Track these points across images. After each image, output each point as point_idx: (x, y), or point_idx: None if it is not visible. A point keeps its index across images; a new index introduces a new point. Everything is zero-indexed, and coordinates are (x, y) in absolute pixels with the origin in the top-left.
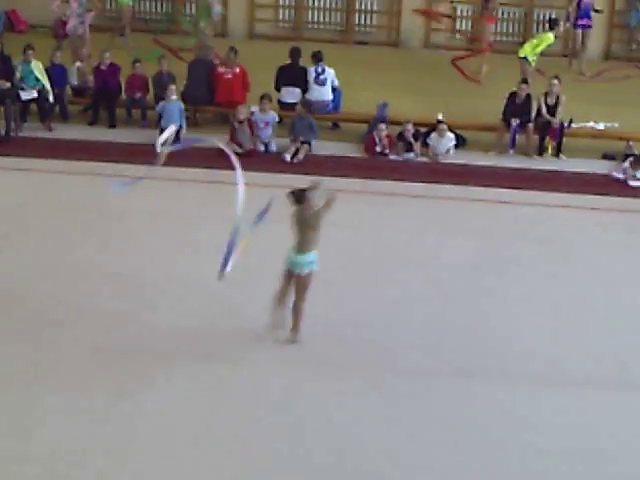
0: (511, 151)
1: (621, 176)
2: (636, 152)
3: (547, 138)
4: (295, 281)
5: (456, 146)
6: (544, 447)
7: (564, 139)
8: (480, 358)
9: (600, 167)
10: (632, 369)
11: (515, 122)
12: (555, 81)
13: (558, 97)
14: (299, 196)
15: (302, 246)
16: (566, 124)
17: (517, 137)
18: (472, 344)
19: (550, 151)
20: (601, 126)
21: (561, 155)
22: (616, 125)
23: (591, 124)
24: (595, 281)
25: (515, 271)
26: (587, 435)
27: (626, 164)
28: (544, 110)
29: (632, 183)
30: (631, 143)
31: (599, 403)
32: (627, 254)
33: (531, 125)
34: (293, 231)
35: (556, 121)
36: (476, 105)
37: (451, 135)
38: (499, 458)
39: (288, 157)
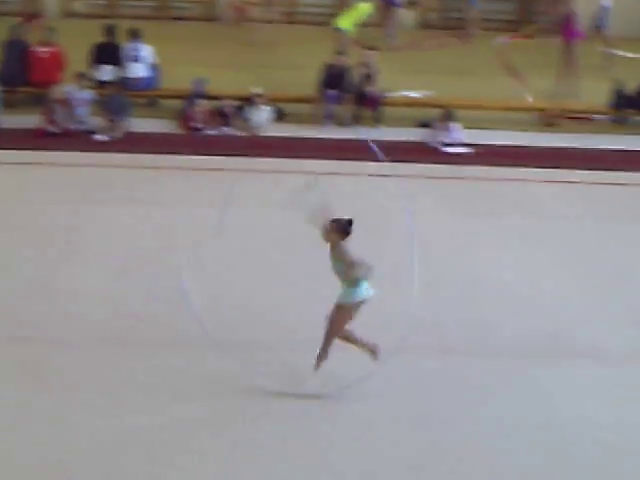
0: (328, 122)
1: (436, 143)
2: (443, 113)
3: (365, 108)
4: (333, 312)
5: (274, 119)
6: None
7: (381, 108)
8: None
9: (416, 135)
10: (445, 334)
11: (332, 93)
12: (369, 52)
13: (373, 68)
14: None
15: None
16: (383, 94)
17: (334, 108)
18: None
19: (367, 121)
20: (417, 94)
21: (379, 124)
22: (432, 93)
23: (407, 93)
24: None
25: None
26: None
27: (439, 130)
28: (360, 80)
29: (445, 149)
30: (447, 111)
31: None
32: (439, 220)
33: (348, 96)
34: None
35: (372, 91)
36: (293, 77)
37: (268, 108)
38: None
39: (103, 136)
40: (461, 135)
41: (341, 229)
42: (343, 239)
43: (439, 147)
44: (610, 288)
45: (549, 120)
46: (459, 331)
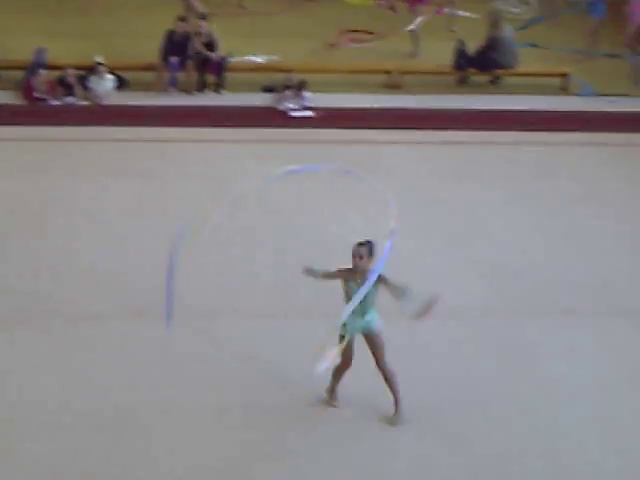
0: (172, 89)
1: (282, 107)
2: (296, 83)
3: (208, 74)
4: (368, 345)
5: (118, 87)
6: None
7: (224, 74)
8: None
9: (261, 100)
10: (295, 295)
11: (174, 60)
12: (202, 22)
13: (212, 35)
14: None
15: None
16: (225, 59)
17: (177, 75)
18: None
19: (211, 87)
20: (260, 59)
21: (222, 90)
22: (275, 58)
23: (251, 57)
24: (262, 211)
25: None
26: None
27: (285, 94)
28: (200, 46)
29: (292, 113)
30: (291, 75)
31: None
32: (287, 184)
33: (190, 62)
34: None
35: (214, 56)
36: (135, 45)
37: (111, 77)
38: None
39: None
40: (308, 99)
41: (372, 251)
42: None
43: (287, 111)
44: (460, 246)
45: (394, 82)
46: (312, 292)
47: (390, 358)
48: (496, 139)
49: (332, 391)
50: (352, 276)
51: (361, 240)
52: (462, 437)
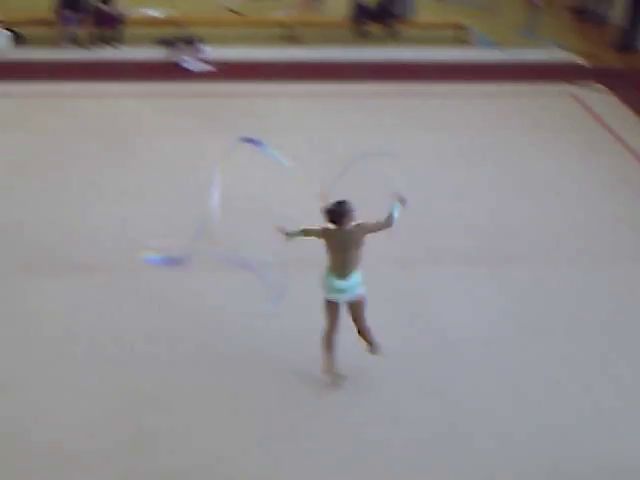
0: (68, 43)
1: (179, 61)
2: (192, 37)
3: (104, 28)
4: (348, 310)
5: (13, 43)
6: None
7: (121, 28)
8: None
9: (159, 54)
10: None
11: (69, 14)
12: None
13: None
14: (337, 215)
15: (344, 269)
16: (121, 13)
17: (73, 29)
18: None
19: (107, 41)
20: (157, 13)
21: (119, 44)
22: (172, 11)
23: (147, 11)
24: (159, 167)
25: (82, 164)
26: None
27: (181, 48)
28: (96, 0)
29: (190, 67)
30: (188, 28)
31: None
32: (187, 138)
33: (86, 16)
34: (329, 252)
35: (110, 10)
36: (30, 0)
37: (6, 32)
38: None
39: None
40: (205, 52)
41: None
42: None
43: (184, 65)
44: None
45: (293, 34)
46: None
47: (298, 308)
48: (395, 90)
49: (332, 367)
50: (336, 236)
51: (338, 200)
52: (360, 381)
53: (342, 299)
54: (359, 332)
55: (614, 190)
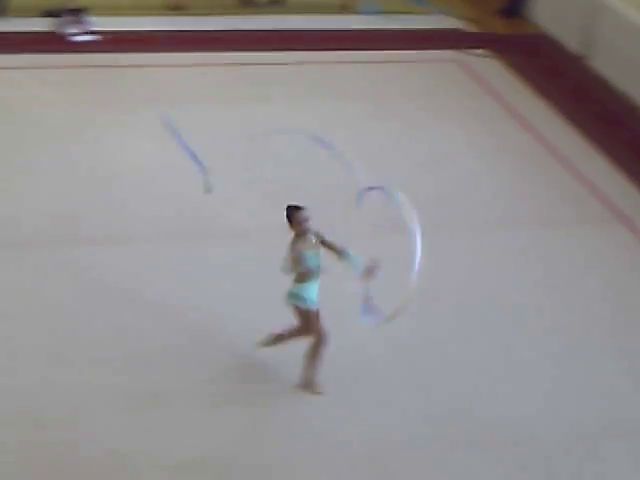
0: None
1: (64, 32)
2: (77, 7)
3: None
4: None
5: None
6: None
7: None
8: None
9: (43, 25)
10: (83, 226)
11: None
12: None
13: None
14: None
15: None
16: None
17: None
18: None
19: None
20: None
21: (3, 14)
22: None
23: None
24: (46, 139)
25: None
26: None
27: (68, 19)
28: None
29: (75, 38)
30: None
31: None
32: (71, 111)
33: None
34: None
35: None
36: None
37: None
38: None
39: None
40: (90, 23)
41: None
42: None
43: (69, 36)
44: (245, 169)
45: (176, 3)
46: (99, 220)
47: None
48: (281, 59)
49: (313, 380)
50: (305, 244)
51: (292, 204)
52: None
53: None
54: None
55: (500, 155)
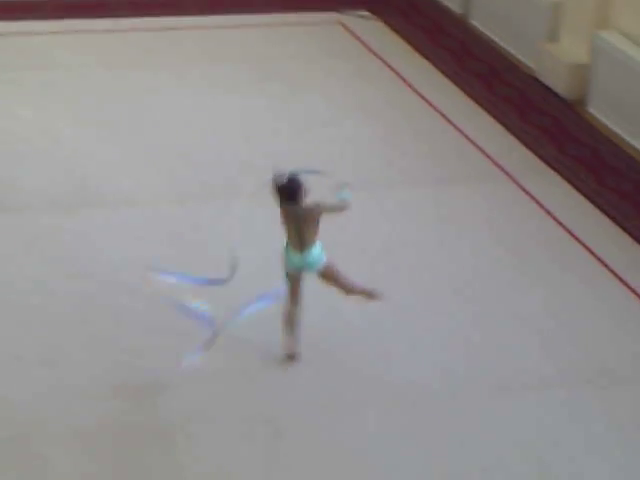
0: None
1: None
2: None
3: None
4: (323, 281)
5: None
6: None
7: None
8: None
9: None
10: None
11: None
12: None
13: None
14: (287, 193)
15: (301, 244)
16: None
17: None
18: None
19: None
20: None
21: None
22: None
23: None
24: None
25: None
26: None
27: None
28: None
29: None
30: None
31: None
32: None
33: None
34: (286, 228)
35: None
36: None
37: None
38: None
39: None
40: None
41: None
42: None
43: None
44: (130, 136)
45: None
46: None
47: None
48: (160, 25)
49: (292, 346)
50: (292, 212)
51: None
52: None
53: (301, 273)
54: (348, 294)
55: (385, 116)
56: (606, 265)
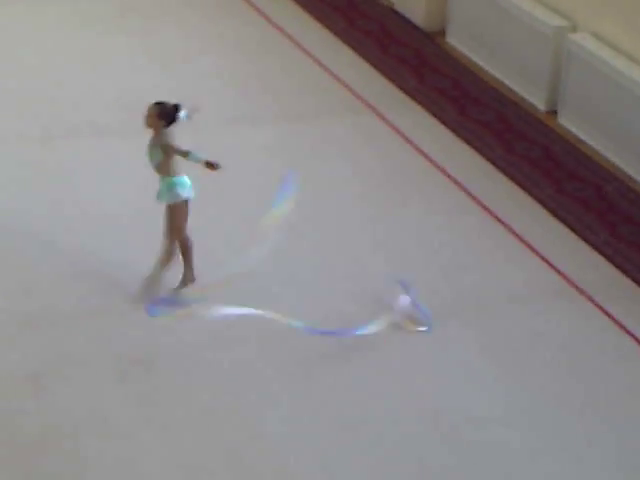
0: None
1: None
2: None
3: None
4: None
5: None
6: None
7: None
8: None
9: None
10: None
11: None
12: None
13: None
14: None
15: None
16: None
17: None
18: None
19: None
20: None
21: None
22: None
23: None
24: None
25: None
26: None
27: None
28: None
29: None
30: None
31: None
32: None
33: None
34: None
35: None
36: None
37: None
38: None
39: None
40: None
41: (165, 114)
42: (167, 126)
43: None
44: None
45: None
46: None
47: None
48: None
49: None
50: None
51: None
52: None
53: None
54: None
55: (243, 51)
56: (469, 193)
